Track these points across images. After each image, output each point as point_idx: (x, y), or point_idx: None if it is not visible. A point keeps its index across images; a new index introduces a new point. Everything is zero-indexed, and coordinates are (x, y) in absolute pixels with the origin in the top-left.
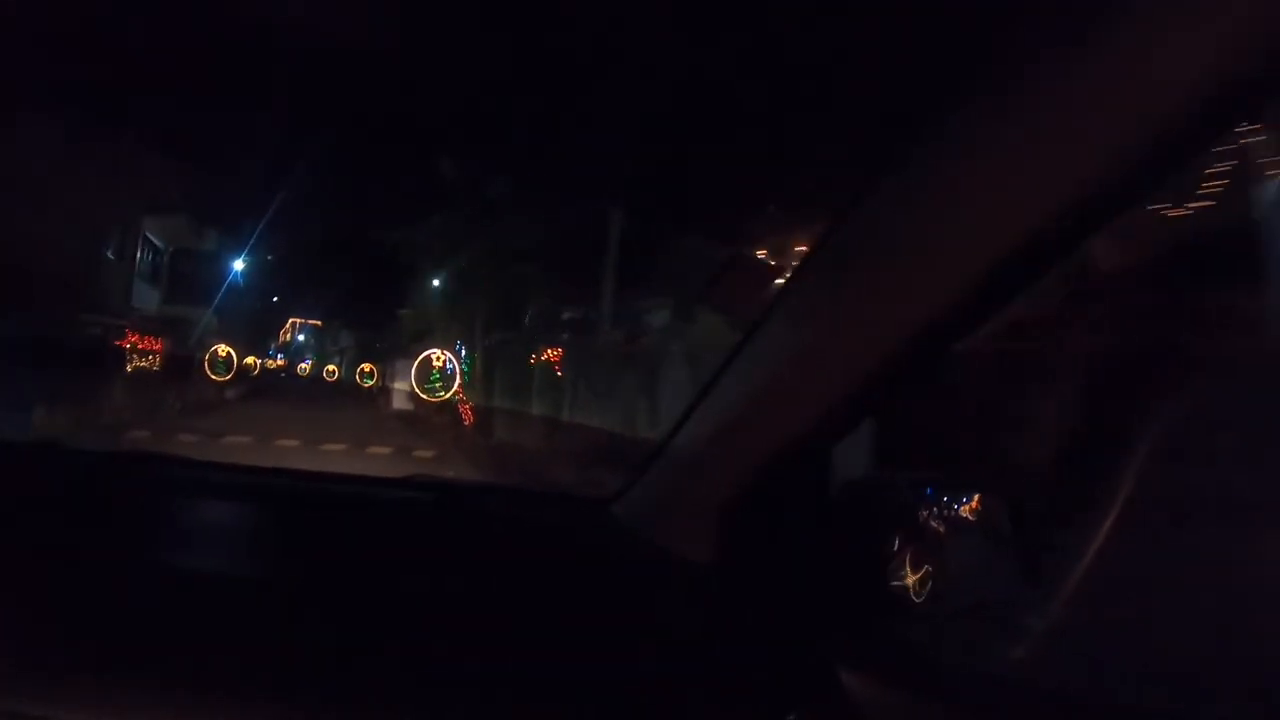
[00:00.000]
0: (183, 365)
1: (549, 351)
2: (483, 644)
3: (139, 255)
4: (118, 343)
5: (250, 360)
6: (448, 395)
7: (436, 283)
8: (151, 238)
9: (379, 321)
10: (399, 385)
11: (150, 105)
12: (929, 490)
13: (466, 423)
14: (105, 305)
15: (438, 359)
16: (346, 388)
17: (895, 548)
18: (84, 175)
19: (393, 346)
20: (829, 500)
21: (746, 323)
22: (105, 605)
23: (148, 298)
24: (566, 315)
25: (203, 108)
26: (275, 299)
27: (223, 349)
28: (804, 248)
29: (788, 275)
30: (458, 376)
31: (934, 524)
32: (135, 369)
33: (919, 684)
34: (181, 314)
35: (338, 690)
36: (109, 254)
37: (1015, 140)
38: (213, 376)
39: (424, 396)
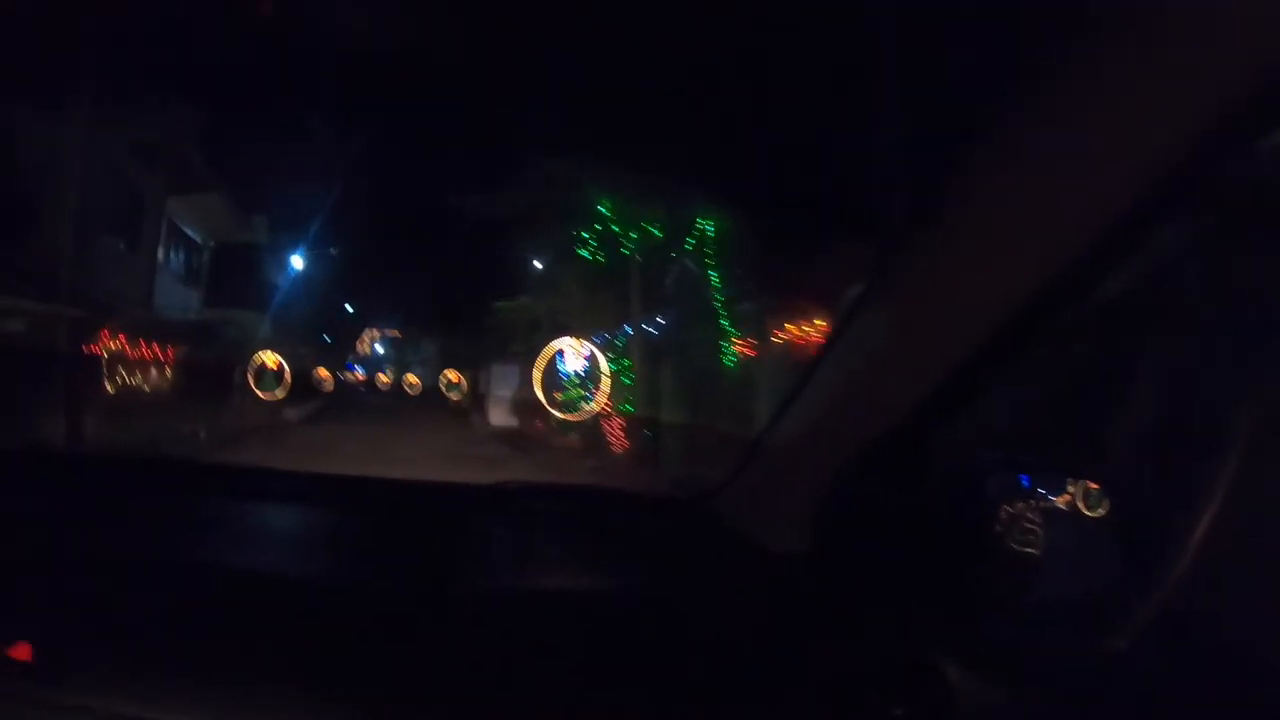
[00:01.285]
0: (215, 381)
1: (744, 344)
2: (584, 649)
3: (164, 246)
4: (86, 348)
5: (322, 373)
6: (590, 406)
7: (547, 258)
8: (183, 226)
9: (467, 321)
10: (498, 394)
11: (178, 57)
12: (1024, 478)
13: (616, 446)
14: (108, 304)
15: (573, 355)
16: (430, 401)
17: (995, 535)
18: (86, 142)
19: (487, 348)
20: (926, 488)
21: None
22: (208, 612)
23: (177, 298)
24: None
25: (247, 69)
26: (347, 306)
27: (270, 359)
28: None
29: (877, 263)
30: (603, 379)
31: (1033, 510)
32: (120, 387)
33: (1021, 676)
34: (226, 318)
35: (448, 692)
36: (118, 243)
37: (1116, 106)
38: (260, 393)
39: (551, 408)
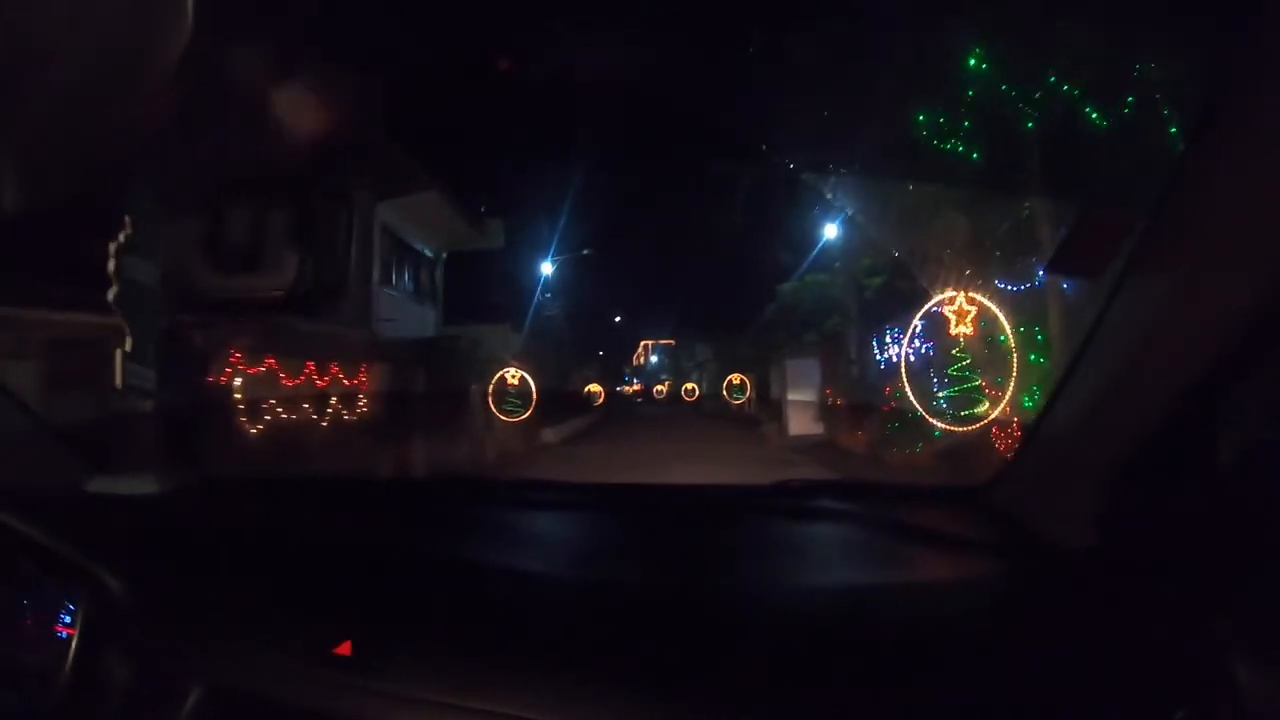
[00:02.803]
0: (438, 408)
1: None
2: (865, 647)
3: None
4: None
5: (594, 388)
6: (983, 406)
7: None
8: (401, 235)
9: (750, 313)
10: (798, 398)
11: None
12: None
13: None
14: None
15: (958, 320)
16: (709, 409)
17: None
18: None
19: (775, 343)
20: (1217, 469)
21: None
22: (506, 610)
23: (399, 313)
24: None
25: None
26: (617, 318)
27: (512, 375)
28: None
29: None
30: (1011, 367)
31: None
32: (262, 423)
33: None
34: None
35: (733, 692)
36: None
37: None
38: (501, 415)
39: (928, 409)
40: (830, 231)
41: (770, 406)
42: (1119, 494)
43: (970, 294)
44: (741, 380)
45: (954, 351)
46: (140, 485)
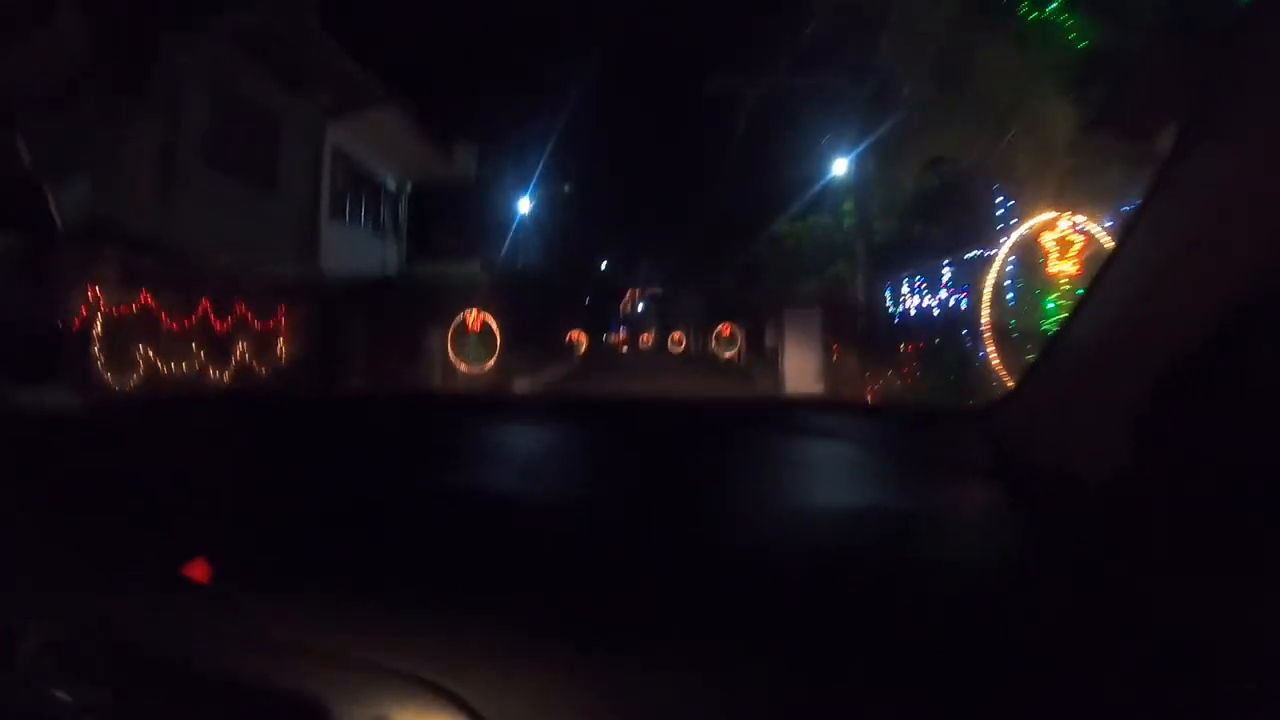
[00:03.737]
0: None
1: None
2: (858, 569)
3: (327, 181)
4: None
5: (577, 336)
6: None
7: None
8: (359, 159)
9: (742, 261)
10: (797, 352)
11: None
12: None
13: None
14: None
15: (1061, 252)
16: (696, 358)
17: None
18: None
19: (770, 292)
20: (1254, 404)
21: None
22: (439, 538)
23: (354, 250)
24: None
25: None
26: (604, 265)
27: (473, 319)
28: None
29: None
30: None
31: None
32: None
33: None
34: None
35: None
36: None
37: None
38: (461, 364)
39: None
40: (840, 167)
41: (764, 360)
42: (1141, 424)
43: (1078, 218)
44: (731, 332)
45: (1047, 295)
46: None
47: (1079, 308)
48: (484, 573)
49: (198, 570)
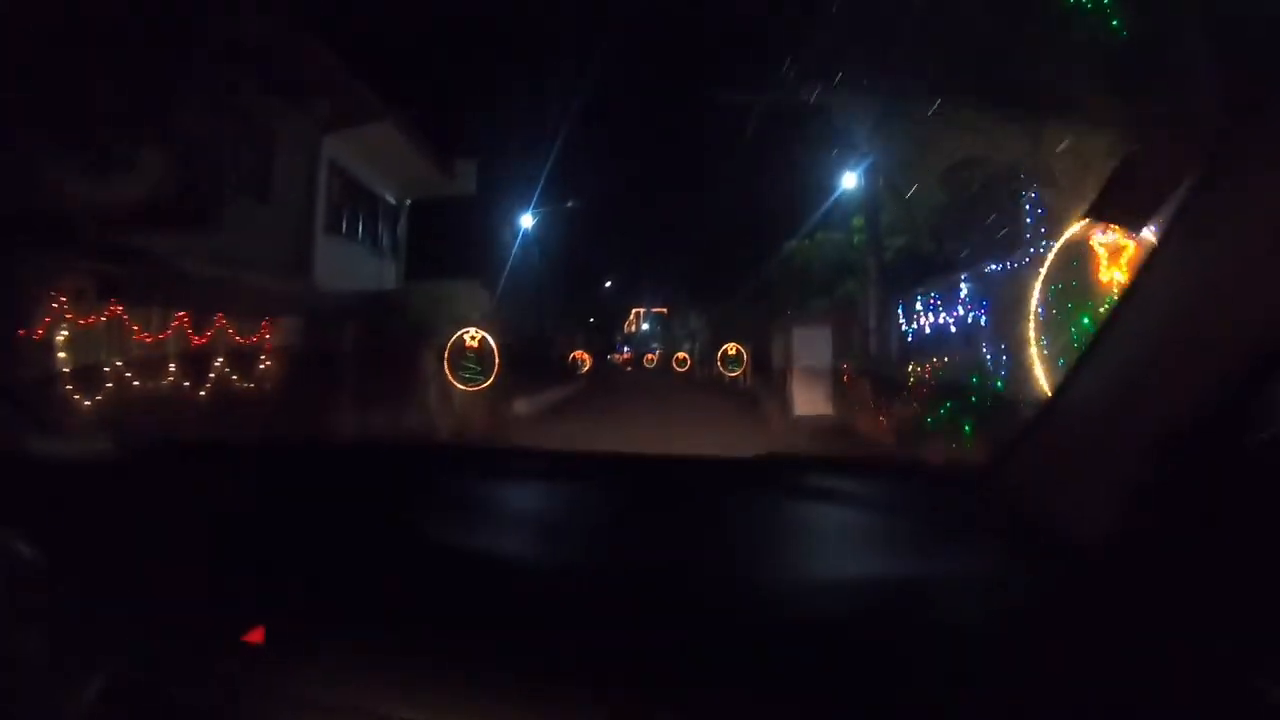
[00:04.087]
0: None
1: None
2: (857, 630)
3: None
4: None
5: (580, 355)
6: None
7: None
8: (355, 173)
9: (748, 280)
10: (806, 373)
11: None
12: None
13: None
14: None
15: (1111, 259)
16: (702, 380)
17: None
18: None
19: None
20: (1250, 461)
21: None
22: (463, 601)
23: (350, 265)
24: None
25: None
26: (608, 284)
27: (472, 337)
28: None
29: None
30: None
31: None
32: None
33: None
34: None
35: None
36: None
37: None
38: (460, 384)
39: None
40: (849, 181)
41: (770, 381)
42: (1140, 482)
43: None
44: (737, 351)
45: (1096, 304)
46: (66, 447)
47: (1076, 368)
48: (494, 634)
49: (255, 635)
